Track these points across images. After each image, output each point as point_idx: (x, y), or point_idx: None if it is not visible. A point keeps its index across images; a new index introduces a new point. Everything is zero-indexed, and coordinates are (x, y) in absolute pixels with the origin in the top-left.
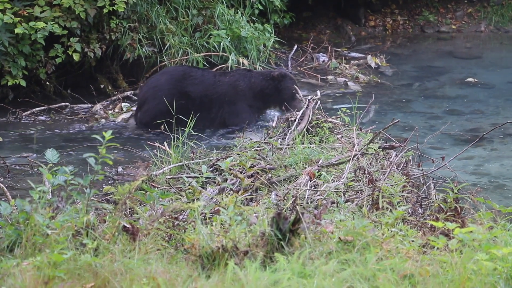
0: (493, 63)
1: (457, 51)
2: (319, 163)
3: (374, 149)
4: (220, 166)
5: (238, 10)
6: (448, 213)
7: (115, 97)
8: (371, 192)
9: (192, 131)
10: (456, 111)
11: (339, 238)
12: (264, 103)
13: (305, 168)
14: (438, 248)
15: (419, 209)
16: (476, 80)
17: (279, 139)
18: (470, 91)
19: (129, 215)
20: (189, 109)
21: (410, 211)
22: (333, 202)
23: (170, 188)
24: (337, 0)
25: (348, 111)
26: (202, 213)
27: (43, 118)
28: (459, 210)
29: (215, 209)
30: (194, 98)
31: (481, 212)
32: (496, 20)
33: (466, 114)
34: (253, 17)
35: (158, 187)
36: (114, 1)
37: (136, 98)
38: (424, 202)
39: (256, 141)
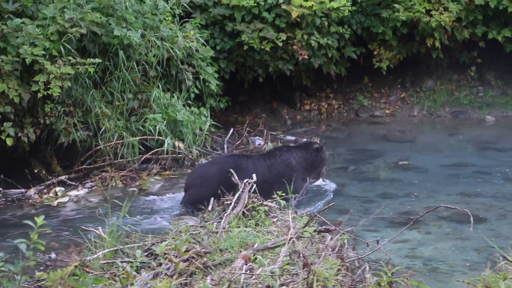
0: (426, 147)
1: (391, 134)
2: (255, 246)
3: (310, 233)
4: (155, 251)
5: (174, 94)
6: None
7: (49, 182)
8: (306, 276)
9: (127, 215)
10: (390, 194)
11: None
12: (309, 173)
13: (241, 251)
14: None
15: None
16: (409, 163)
17: (215, 223)
18: (404, 175)
19: None
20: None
21: None
22: (268, 286)
23: (104, 273)
24: (273, 84)
25: (284, 194)
26: None
27: None
28: None
29: None
30: None
31: None
32: (428, 105)
33: (400, 197)
34: (189, 101)
35: (91, 273)
36: (48, 86)
37: (70, 182)
38: (359, 286)
39: (192, 225)
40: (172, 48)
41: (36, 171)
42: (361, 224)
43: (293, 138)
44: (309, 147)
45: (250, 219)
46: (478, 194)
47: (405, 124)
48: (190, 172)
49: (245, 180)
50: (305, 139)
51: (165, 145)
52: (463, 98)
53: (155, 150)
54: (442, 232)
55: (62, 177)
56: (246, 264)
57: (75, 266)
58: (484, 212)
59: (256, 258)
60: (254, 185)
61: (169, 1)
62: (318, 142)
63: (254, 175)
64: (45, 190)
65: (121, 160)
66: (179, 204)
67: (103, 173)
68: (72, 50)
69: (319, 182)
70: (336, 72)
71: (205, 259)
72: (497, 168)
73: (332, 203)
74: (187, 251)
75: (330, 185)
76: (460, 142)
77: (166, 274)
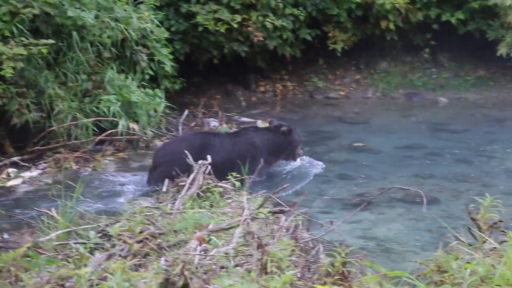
0: (380, 129)
1: (345, 116)
2: (209, 227)
3: (264, 214)
4: (109, 232)
5: (129, 75)
6: (335, 277)
7: (1, 163)
8: (260, 257)
9: (81, 196)
10: (345, 176)
11: None
12: (276, 157)
13: (195, 233)
14: None
15: (308, 273)
16: (363, 145)
17: (169, 204)
18: (358, 156)
19: (14, 283)
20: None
21: (298, 275)
22: (222, 267)
23: (57, 254)
24: (227, 66)
25: (238, 175)
26: (89, 279)
27: None
28: (346, 274)
29: (103, 275)
30: (216, 165)
31: (368, 275)
32: (382, 87)
33: (354, 178)
34: (143, 82)
35: (44, 254)
36: (1, 67)
37: (23, 163)
38: (313, 266)
39: (146, 206)
40: (126, 29)
41: None
42: (315, 205)
43: (247, 119)
44: (277, 129)
45: (204, 201)
46: (431, 176)
47: (359, 105)
48: (158, 149)
49: (200, 161)
50: (276, 122)
51: (119, 126)
52: (416, 80)
53: (109, 132)
54: (395, 213)
55: (15, 158)
56: (200, 245)
57: (28, 247)
58: (436, 193)
59: (210, 239)
60: (209, 167)
61: None
62: (287, 124)
63: (209, 156)
64: None
65: (75, 141)
66: (145, 182)
67: (57, 155)
68: (25, 31)
69: (297, 163)
70: (291, 54)
71: (159, 240)
72: (449, 150)
73: (287, 185)
74: (141, 232)
75: (315, 167)
76: (413, 123)
77: (120, 255)
